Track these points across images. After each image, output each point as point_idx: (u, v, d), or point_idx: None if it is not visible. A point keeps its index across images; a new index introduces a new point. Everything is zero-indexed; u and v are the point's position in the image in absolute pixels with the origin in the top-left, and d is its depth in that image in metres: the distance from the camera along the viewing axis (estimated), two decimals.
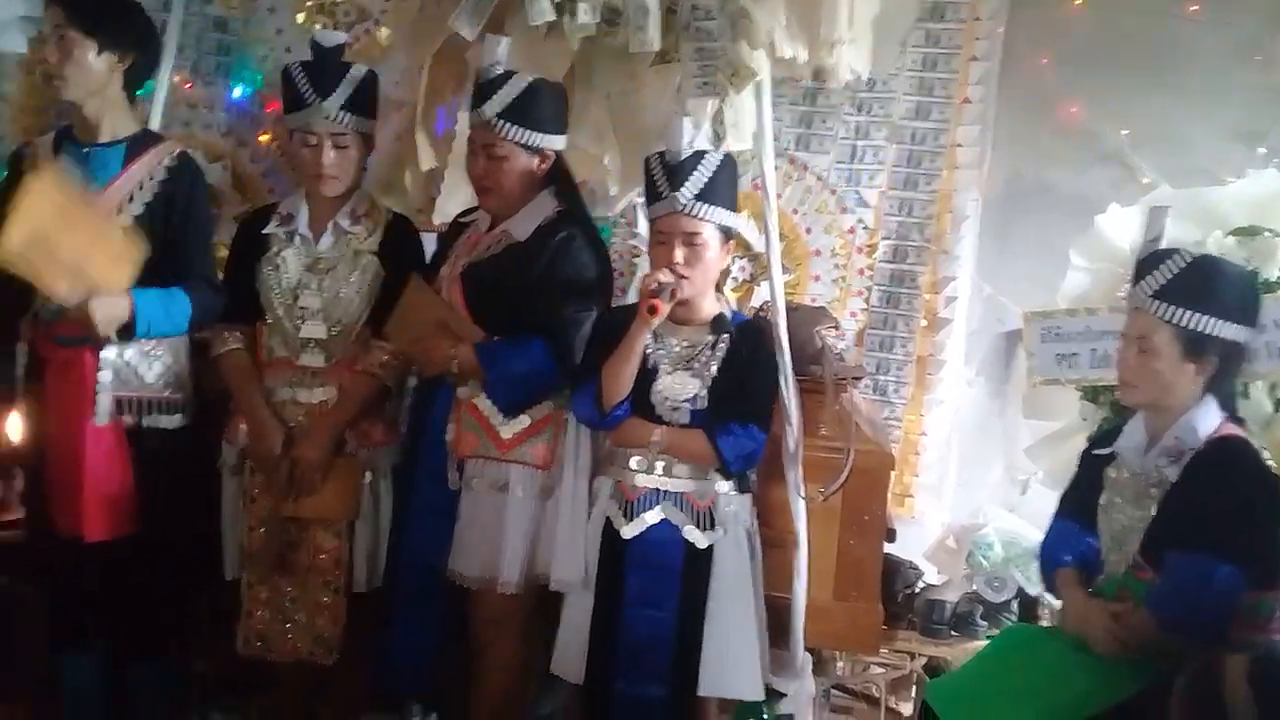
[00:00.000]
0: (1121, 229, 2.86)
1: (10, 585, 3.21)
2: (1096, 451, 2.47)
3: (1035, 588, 3.14)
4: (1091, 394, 2.74)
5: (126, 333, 2.60)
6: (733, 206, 2.63)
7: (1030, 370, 2.76)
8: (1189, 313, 2.25)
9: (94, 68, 2.65)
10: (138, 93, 2.87)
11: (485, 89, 2.64)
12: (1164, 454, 2.31)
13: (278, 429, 2.73)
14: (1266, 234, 2.68)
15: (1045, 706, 2.24)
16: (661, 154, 2.60)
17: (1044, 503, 3.03)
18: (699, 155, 2.57)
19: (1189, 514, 2.24)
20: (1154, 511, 2.30)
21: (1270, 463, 2.27)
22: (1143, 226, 2.68)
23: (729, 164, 2.63)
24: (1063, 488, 2.76)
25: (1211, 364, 2.28)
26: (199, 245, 2.74)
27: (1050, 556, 2.52)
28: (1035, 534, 3.17)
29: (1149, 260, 2.35)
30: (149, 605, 2.74)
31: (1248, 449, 2.30)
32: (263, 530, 2.76)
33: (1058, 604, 3.07)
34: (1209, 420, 2.30)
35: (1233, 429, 2.32)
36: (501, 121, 2.63)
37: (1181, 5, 3.34)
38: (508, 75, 2.64)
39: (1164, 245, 2.59)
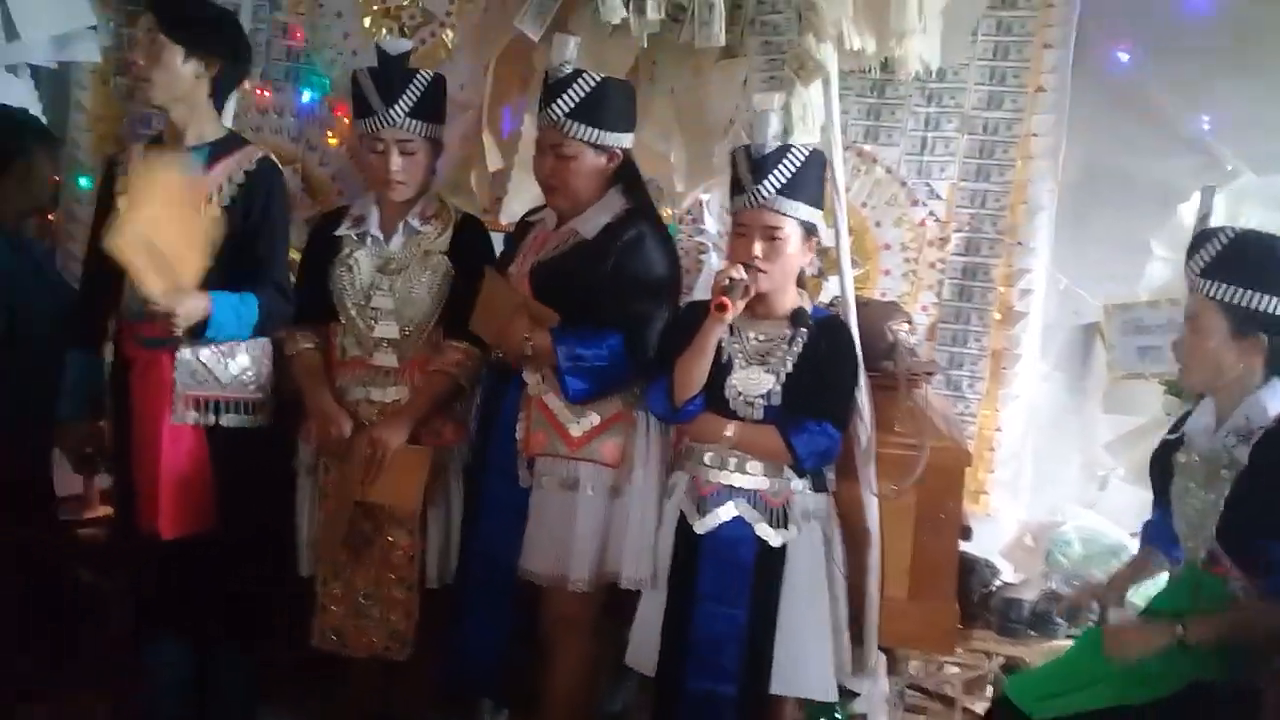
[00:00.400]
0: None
1: (94, 580, 3.30)
2: (1167, 437, 2.43)
3: None
4: (1176, 388, 2.67)
5: (197, 331, 2.65)
6: (816, 203, 2.59)
7: (1111, 364, 2.69)
8: (1234, 289, 2.22)
9: (181, 73, 2.71)
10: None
11: (554, 88, 2.64)
12: (1233, 433, 2.26)
13: (344, 415, 2.75)
14: None
15: (1121, 686, 2.22)
16: (747, 147, 2.58)
17: (1124, 499, 2.98)
18: (784, 149, 2.54)
19: (1267, 495, 2.18)
20: (1227, 494, 2.24)
21: None
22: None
23: (816, 160, 2.59)
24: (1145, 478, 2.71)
25: (1263, 341, 2.24)
26: (273, 250, 2.78)
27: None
28: (1115, 531, 3.12)
29: (1197, 240, 2.32)
30: (228, 599, 2.78)
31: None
32: (334, 518, 2.79)
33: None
34: (1262, 407, 2.24)
35: None
36: (570, 121, 2.63)
37: None
38: (577, 74, 2.64)
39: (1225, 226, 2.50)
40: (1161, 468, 2.43)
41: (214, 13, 2.86)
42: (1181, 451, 2.37)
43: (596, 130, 2.64)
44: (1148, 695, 2.25)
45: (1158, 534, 2.49)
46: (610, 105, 2.66)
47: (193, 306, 2.60)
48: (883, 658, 2.89)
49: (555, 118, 2.64)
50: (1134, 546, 3.11)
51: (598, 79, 2.65)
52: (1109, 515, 3.11)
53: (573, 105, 2.62)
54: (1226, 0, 3.29)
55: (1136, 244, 2.83)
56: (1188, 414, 2.44)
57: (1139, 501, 2.91)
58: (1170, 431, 2.43)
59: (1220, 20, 3.28)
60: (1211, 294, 2.26)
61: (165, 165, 2.66)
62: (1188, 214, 2.79)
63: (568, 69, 2.64)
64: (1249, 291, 2.23)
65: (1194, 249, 2.32)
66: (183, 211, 2.61)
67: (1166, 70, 3.31)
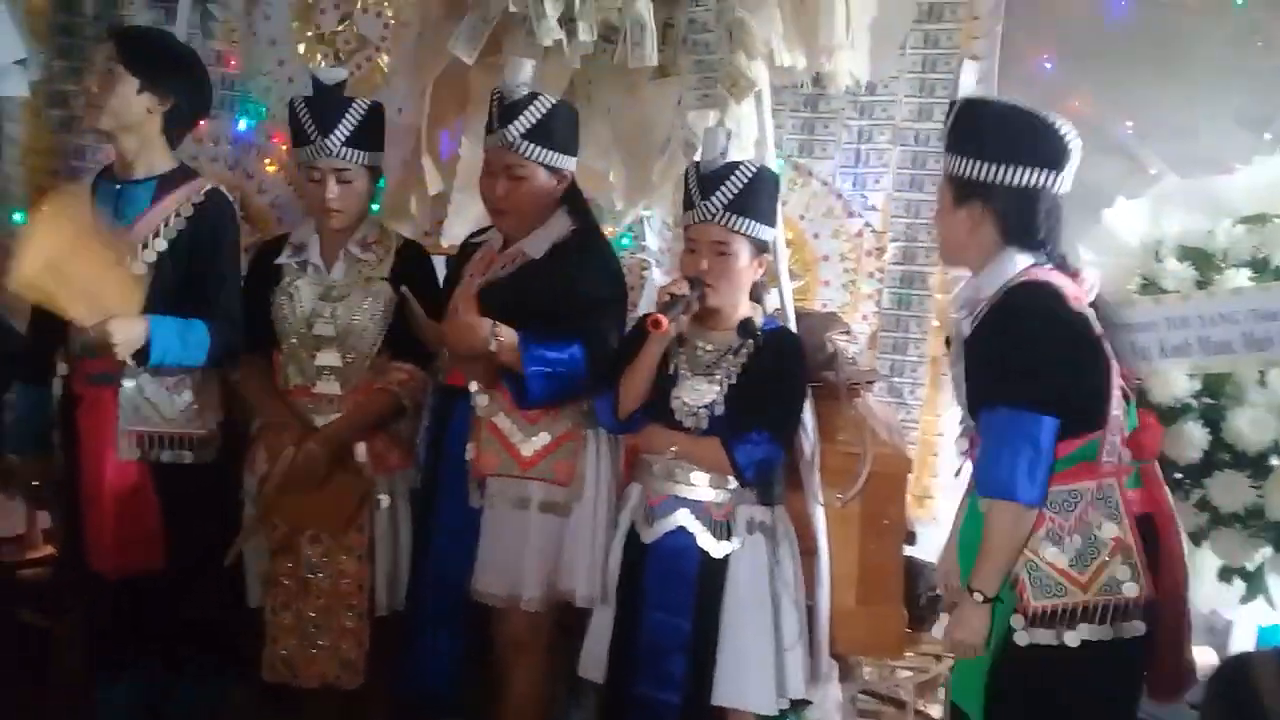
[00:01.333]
0: (1130, 222, 2.86)
1: (38, 620, 3.26)
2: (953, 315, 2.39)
3: None
4: None
5: (142, 357, 2.63)
6: (767, 220, 2.62)
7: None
8: (954, 158, 2.20)
9: (133, 104, 2.72)
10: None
11: (510, 110, 2.65)
12: (963, 305, 2.25)
13: (296, 423, 2.75)
14: (1276, 221, 2.68)
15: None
16: (697, 163, 2.62)
17: None
18: (732, 166, 2.58)
19: (983, 365, 2.18)
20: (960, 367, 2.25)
21: (1073, 302, 2.17)
22: None
23: (765, 177, 2.62)
24: None
25: (979, 209, 2.20)
26: (223, 282, 2.77)
27: None
28: None
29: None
30: (181, 634, 2.77)
31: (1042, 289, 2.16)
32: (284, 556, 2.78)
33: None
34: (1009, 269, 2.20)
35: (1036, 274, 2.19)
36: (526, 142, 2.64)
37: None
38: (533, 96, 2.66)
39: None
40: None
41: (175, 49, 2.89)
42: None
43: (551, 152, 2.67)
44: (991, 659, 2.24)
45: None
46: (562, 128, 2.69)
47: (127, 328, 2.59)
48: (834, 664, 2.92)
49: (511, 139, 2.65)
50: None
51: (553, 101, 2.68)
52: None
53: (529, 127, 2.64)
54: (1146, 8, 3.38)
55: (1067, 249, 2.89)
56: None
57: None
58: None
59: (1141, 27, 3.37)
60: (946, 166, 2.25)
61: (68, 198, 2.67)
62: (1113, 218, 2.87)
63: (524, 91, 2.66)
64: (963, 159, 2.19)
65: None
66: (94, 240, 2.59)
67: (1090, 77, 3.40)
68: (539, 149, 2.65)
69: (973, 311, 2.24)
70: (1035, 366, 2.12)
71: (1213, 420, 2.60)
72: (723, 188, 2.55)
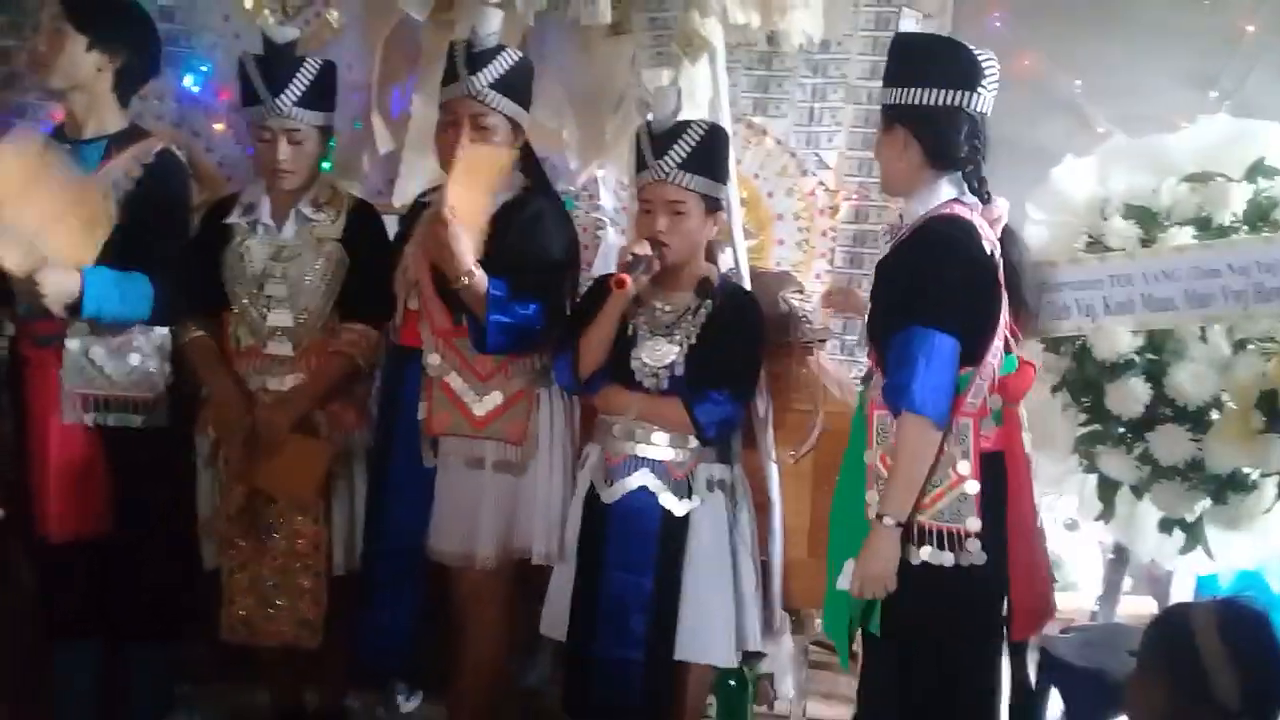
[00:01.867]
0: (1078, 180, 2.89)
1: None
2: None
3: None
4: (1053, 345, 2.78)
5: (75, 311, 2.60)
6: (719, 177, 2.63)
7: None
8: (887, 88, 2.35)
9: (82, 63, 2.69)
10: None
11: (478, 58, 2.62)
12: (887, 232, 2.42)
13: (241, 398, 2.73)
14: (1219, 179, 2.71)
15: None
16: (649, 123, 2.61)
17: None
18: (684, 125, 2.58)
19: (894, 287, 2.31)
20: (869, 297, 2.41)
21: (986, 243, 2.30)
22: None
23: (715, 134, 2.63)
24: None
25: (902, 133, 2.32)
26: (170, 242, 2.73)
27: None
28: None
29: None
30: (137, 598, 2.76)
31: (957, 222, 2.29)
32: (226, 500, 2.77)
33: None
34: (932, 199, 2.33)
35: (957, 209, 2.32)
36: (494, 93, 2.62)
37: None
38: (500, 48, 2.64)
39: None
40: None
41: (124, 6, 2.82)
42: None
43: (515, 105, 2.66)
44: None
45: None
46: (523, 82, 2.69)
47: (57, 278, 2.55)
48: (787, 618, 2.97)
49: (477, 88, 2.62)
50: None
51: (519, 55, 2.67)
52: None
53: (496, 77, 2.62)
54: None
55: (1016, 207, 2.91)
56: None
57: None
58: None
59: None
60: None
61: (19, 143, 2.62)
62: (1061, 176, 2.89)
63: (493, 41, 2.63)
64: (887, 88, 2.35)
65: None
66: (41, 190, 2.55)
67: (1040, 36, 3.42)
68: (505, 100, 2.64)
69: (894, 237, 2.37)
70: (943, 290, 2.25)
71: (1155, 375, 2.63)
72: (675, 146, 2.55)
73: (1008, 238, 2.43)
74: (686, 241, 2.60)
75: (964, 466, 2.30)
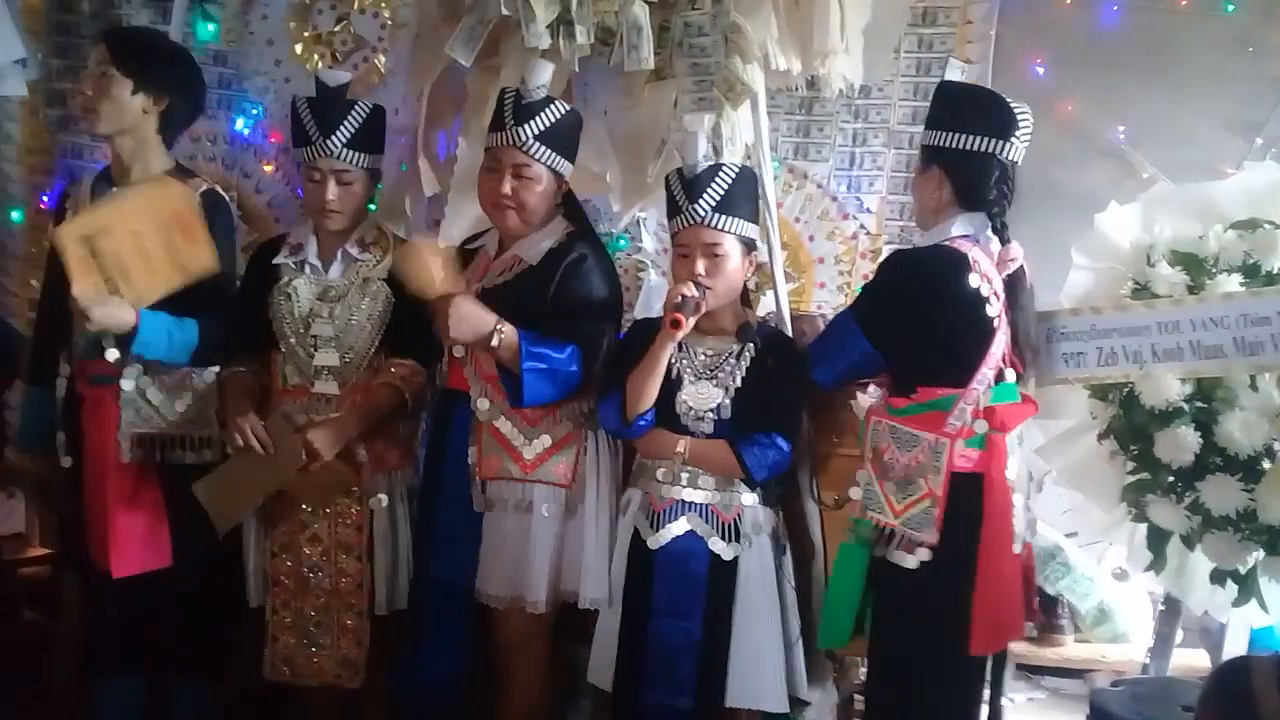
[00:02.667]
0: (1122, 226, 2.87)
1: (38, 618, 3.26)
2: None
3: (1053, 587, 3.14)
4: (1100, 392, 2.75)
5: (123, 347, 2.65)
6: (752, 218, 2.67)
7: (1036, 371, 2.77)
8: (923, 131, 2.57)
9: (128, 106, 2.75)
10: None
11: (526, 110, 2.68)
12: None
13: (249, 407, 2.74)
14: (1266, 226, 2.69)
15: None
16: (680, 169, 2.64)
17: (1058, 501, 3.06)
18: (716, 168, 2.62)
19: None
20: None
21: (976, 277, 2.46)
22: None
23: (747, 176, 2.67)
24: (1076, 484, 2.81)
25: (938, 174, 2.52)
26: (215, 283, 2.76)
27: None
28: (1050, 533, 3.19)
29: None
30: (181, 633, 2.78)
31: (950, 255, 2.47)
32: (284, 555, 2.79)
33: (1080, 607, 3.14)
34: (942, 233, 2.52)
35: (960, 244, 2.49)
36: (539, 144, 2.67)
37: None
38: (550, 100, 2.70)
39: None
40: None
41: (167, 48, 2.90)
42: None
43: (558, 156, 2.70)
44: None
45: None
46: (568, 133, 2.73)
47: (111, 313, 2.61)
48: (830, 665, 2.94)
49: (523, 139, 2.67)
50: (1070, 548, 3.21)
51: (567, 107, 2.72)
52: (1043, 518, 3.19)
53: (542, 129, 2.67)
54: (1137, 14, 3.39)
55: (1057, 253, 2.90)
56: None
57: (1072, 504, 3.00)
58: None
59: (1132, 33, 3.38)
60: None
61: (159, 187, 2.71)
62: (1105, 223, 2.88)
63: (542, 93, 2.68)
64: (928, 130, 2.56)
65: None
66: (154, 236, 2.63)
67: (1082, 82, 3.41)
68: (549, 152, 2.68)
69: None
70: (877, 293, 2.55)
71: (1204, 424, 2.60)
72: (709, 190, 2.58)
73: (1017, 283, 2.54)
74: (726, 283, 2.62)
75: (935, 482, 2.43)
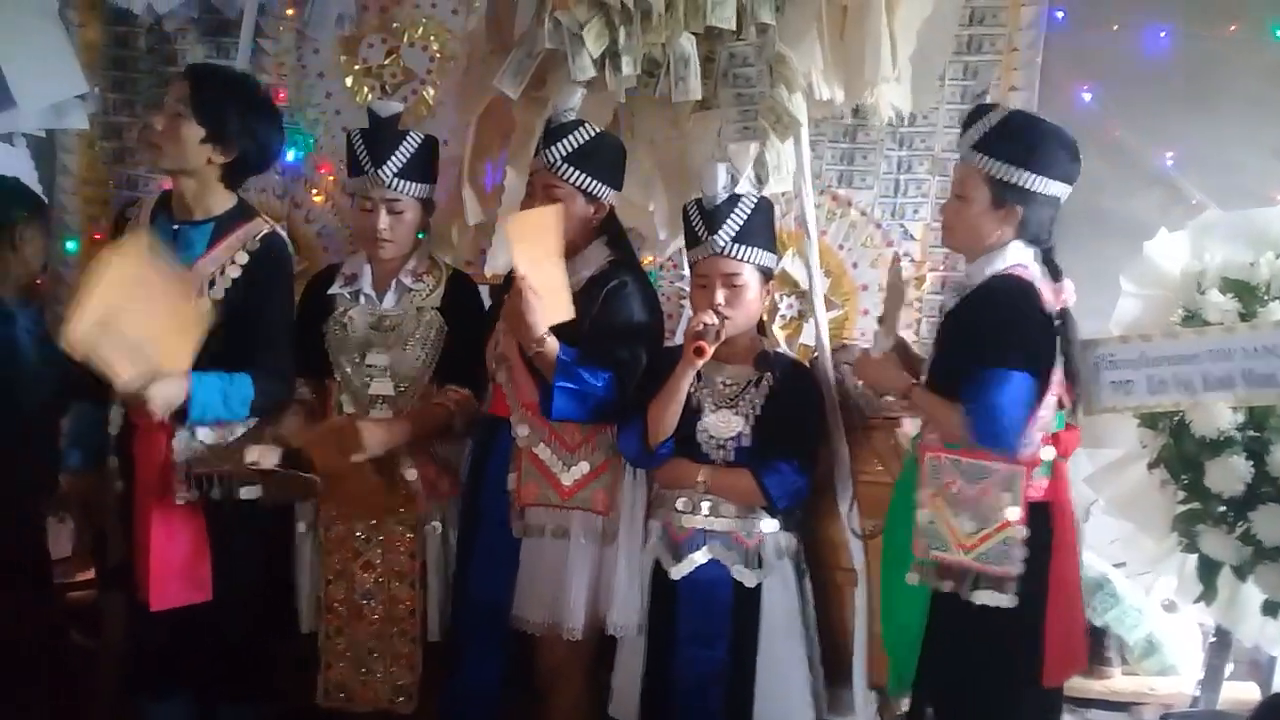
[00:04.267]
0: (1171, 253, 2.86)
1: (86, 641, 3.30)
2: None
3: (1101, 619, 3.11)
4: (1150, 420, 2.73)
5: (180, 415, 2.61)
6: (770, 247, 2.70)
7: (1085, 400, 2.75)
8: (999, 164, 2.42)
9: (195, 153, 2.66)
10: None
11: (555, 133, 2.72)
12: (952, 288, 2.51)
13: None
14: None
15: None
16: (699, 200, 2.66)
17: (1106, 531, 3.03)
18: (735, 199, 2.65)
19: (970, 336, 2.42)
20: (936, 338, 2.54)
21: (1046, 304, 2.43)
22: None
23: (764, 206, 2.70)
24: (1125, 513, 2.78)
25: (1019, 212, 2.43)
26: (273, 332, 2.72)
27: None
28: (1098, 563, 3.16)
29: (972, 115, 2.52)
30: (227, 658, 2.78)
31: (1022, 282, 2.43)
32: (338, 582, 2.81)
33: (1129, 638, 3.09)
34: (1003, 263, 2.45)
35: (1020, 271, 2.44)
36: (566, 165, 2.70)
37: (1220, 25, 3.33)
38: (578, 122, 2.73)
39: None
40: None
41: (250, 99, 2.75)
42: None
43: (588, 177, 2.72)
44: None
45: None
46: (603, 157, 2.75)
47: (166, 390, 2.53)
48: (873, 696, 2.91)
49: (551, 160, 2.71)
50: (1118, 578, 3.17)
51: (596, 130, 2.74)
52: (1091, 548, 3.15)
53: (570, 150, 2.70)
54: (1183, 40, 3.37)
55: (1106, 280, 2.89)
56: None
57: (1121, 533, 2.97)
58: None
59: (1179, 59, 3.36)
60: (980, 166, 2.44)
61: (129, 246, 2.59)
62: (1154, 250, 2.86)
63: (570, 116, 2.72)
64: (1011, 167, 2.41)
65: (969, 123, 2.49)
66: (156, 293, 2.53)
67: (1129, 109, 3.39)
68: (577, 172, 2.70)
69: (960, 294, 2.49)
70: (1023, 335, 2.41)
71: (1256, 453, 2.58)
72: (729, 221, 2.62)
73: (1065, 315, 2.52)
74: (745, 313, 2.64)
75: (1013, 512, 2.38)
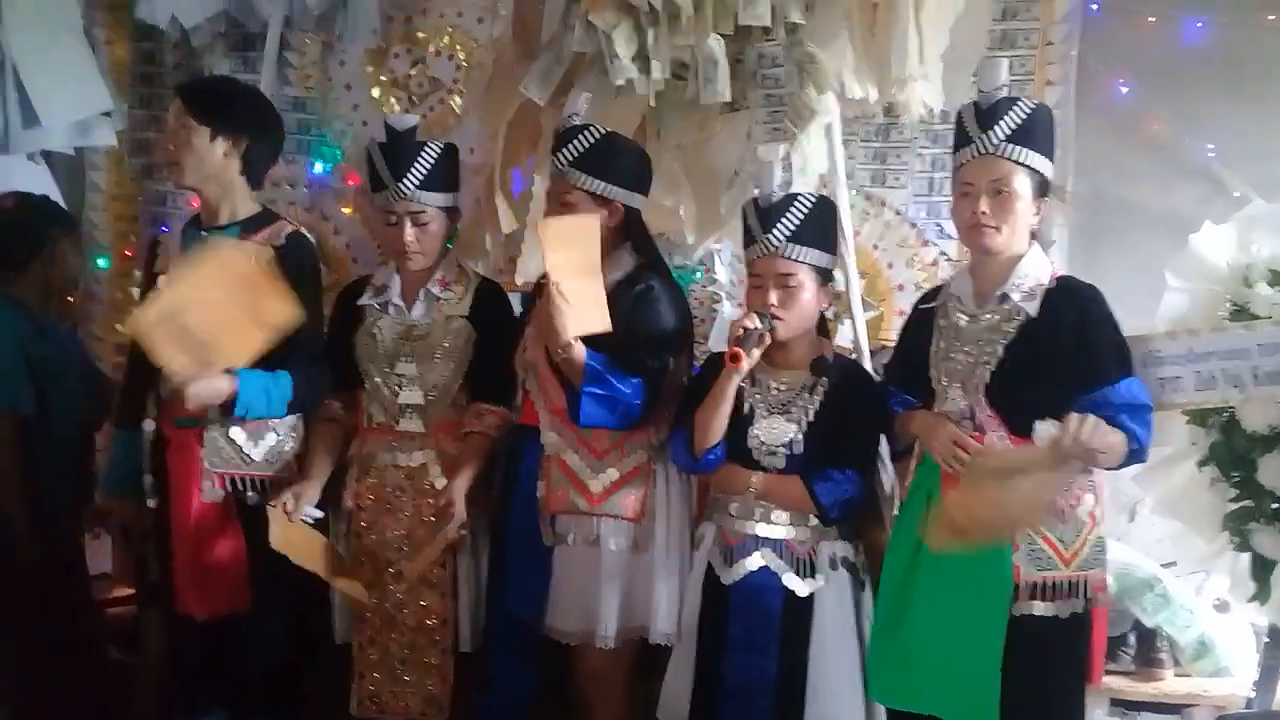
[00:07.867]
0: (1218, 247, 2.79)
1: (123, 657, 3.31)
2: (923, 307, 2.57)
3: (1151, 619, 3.04)
4: (1199, 417, 2.67)
5: (226, 410, 2.68)
6: (828, 248, 2.63)
7: None
8: (1036, 154, 2.39)
9: (209, 153, 2.75)
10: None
11: (561, 138, 2.71)
12: (1018, 292, 2.39)
13: (319, 473, 2.79)
14: None
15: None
16: (755, 198, 2.62)
17: (1154, 530, 2.97)
18: (791, 197, 2.59)
19: (1088, 345, 2.35)
20: (1003, 350, 2.38)
21: None
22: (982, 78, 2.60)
23: (824, 206, 2.64)
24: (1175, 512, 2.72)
25: (1045, 208, 2.44)
26: (305, 325, 2.75)
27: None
28: (1147, 563, 3.10)
29: (997, 108, 2.41)
30: (264, 671, 2.79)
31: (1084, 282, 2.45)
32: (370, 592, 2.81)
33: (1180, 639, 3.02)
34: (1047, 262, 2.45)
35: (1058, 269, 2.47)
36: (574, 170, 2.68)
37: (1258, 14, 3.27)
38: (584, 126, 2.70)
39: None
40: (918, 333, 2.54)
41: (239, 90, 2.92)
42: (942, 316, 2.49)
43: (596, 180, 2.68)
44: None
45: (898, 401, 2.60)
46: (614, 159, 2.71)
47: (208, 386, 2.61)
48: None
49: (559, 166, 2.69)
50: (1168, 578, 3.11)
51: (602, 132, 2.71)
52: (1139, 547, 3.09)
53: (576, 155, 2.67)
54: (1221, 30, 3.31)
55: (1150, 275, 2.82)
56: (937, 287, 2.61)
57: (1169, 532, 2.91)
58: (924, 301, 2.59)
59: (1217, 50, 3.30)
60: (1018, 159, 2.38)
61: (218, 247, 2.71)
62: (1201, 243, 2.80)
63: (576, 120, 2.70)
64: (1047, 160, 2.41)
65: (994, 118, 2.41)
66: (229, 300, 2.62)
67: (1168, 101, 3.33)
68: (585, 177, 2.67)
69: (1035, 296, 2.40)
70: (1123, 337, 2.40)
71: None
72: (784, 220, 2.55)
73: None
74: (799, 314, 2.58)
75: (1098, 510, 2.37)
